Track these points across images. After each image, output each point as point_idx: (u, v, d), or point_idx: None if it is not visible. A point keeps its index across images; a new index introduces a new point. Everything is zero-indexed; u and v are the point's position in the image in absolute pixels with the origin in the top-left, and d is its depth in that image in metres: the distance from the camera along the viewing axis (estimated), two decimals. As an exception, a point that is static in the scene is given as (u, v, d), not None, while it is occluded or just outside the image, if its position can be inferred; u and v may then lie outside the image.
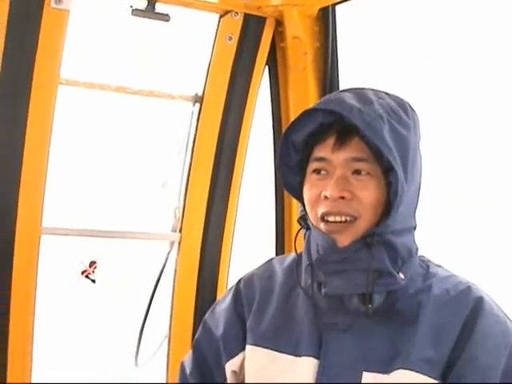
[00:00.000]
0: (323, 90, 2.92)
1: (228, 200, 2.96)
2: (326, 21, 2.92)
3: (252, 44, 2.90)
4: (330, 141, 1.62)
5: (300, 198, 1.71)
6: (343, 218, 1.60)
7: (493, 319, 1.60)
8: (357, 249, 1.59)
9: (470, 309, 1.60)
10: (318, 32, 2.94)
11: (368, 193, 1.60)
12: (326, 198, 1.60)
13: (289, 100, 3.01)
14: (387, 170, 1.59)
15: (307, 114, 1.65)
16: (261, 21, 2.89)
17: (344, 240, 1.61)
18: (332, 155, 1.62)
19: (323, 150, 1.63)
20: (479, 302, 1.61)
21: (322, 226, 1.62)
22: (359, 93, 1.66)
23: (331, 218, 1.61)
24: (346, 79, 3.00)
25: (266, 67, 3.02)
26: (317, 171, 1.65)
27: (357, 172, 1.60)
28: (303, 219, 1.70)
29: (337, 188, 1.59)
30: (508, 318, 1.64)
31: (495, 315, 1.61)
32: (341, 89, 2.92)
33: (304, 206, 1.69)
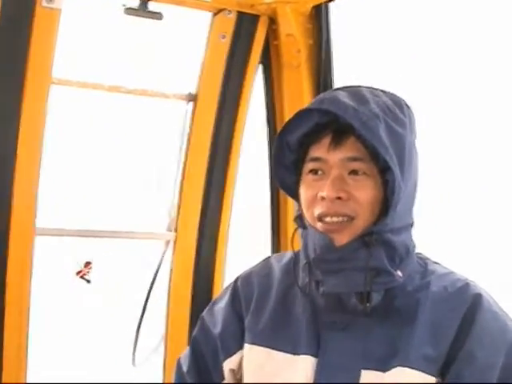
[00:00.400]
0: (317, 87, 2.91)
1: (223, 198, 2.95)
2: (319, 18, 2.91)
3: (245, 42, 2.89)
4: (326, 140, 1.61)
5: (296, 197, 1.70)
6: (340, 219, 1.59)
7: (491, 316, 1.60)
8: (354, 248, 1.59)
9: (468, 305, 1.60)
10: (312, 29, 2.93)
11: (365, 192, 1.59)
12: (322, 198, 1.59)
13: (283, 98, 3.00)
14: (384, 169, 1.58)
15: (302, 115, 1.64)
16: (254, 19, 2.88)
17: (341, 239, 1.60)
18: (328, 155, 1.61)
19: (319, 150, 1.62)
20: (477, 298, 1.61)
21: (319, 225, 1.61)
22: (354, 91, 1.64)
23: (328, 219, 1.60)
24: (341, 76, 2.99)
25: (260, 65, 3.01)
26: (313, 171, 1.64)
27: (353, 172, 1.60)
28: (300, 218, 1.69)
29: (333, 188, 1.58)
30: (506, 316, 1.64)
31: (493, 312, 1.61)
32: (335, 86, 2.95)
33: (300, 204, 1.68)
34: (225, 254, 2.98)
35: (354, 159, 1.59)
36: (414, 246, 1.70)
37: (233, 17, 2.85)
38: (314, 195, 1.62)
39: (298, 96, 2.93)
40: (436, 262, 1.74)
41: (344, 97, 1.60)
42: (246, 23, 2.88)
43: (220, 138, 2.92)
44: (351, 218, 1.59)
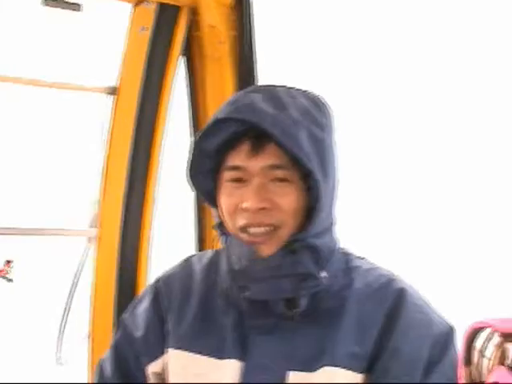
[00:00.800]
0: (240, 79, 2.89)
1: (145, 193, 2.89)
2: (241, 9, 2.88)
3: (166, 34, 2.83)
4: (245, 148, 1.56)
5: (215, 204, 1.66)
6: (264, 229, 1.56)
7: (415, 309, 1.60)
8: (280, 257, 1.56)
9: (391, 301, 1.59)
10: (234, 21, 2.90)
11: (288, 200, 1.56)
12: (245, 209, 1.56)
13: (206, 90, 2.97)
14: (306, 175, 1.55)
15: (218, 123, 1.59)
16: (175, 10, 2.83)
17: (267, 249, 1.57)
18: (248, 163, 1.56)
19: (238, 158, 1.57)
20: (401, 293, 1.61)
21: (242, 236, 1.58)
22: (271, 94, 1.59)
23: (252, 230, 1.56)
24: (264, 68, 2.98)
25: (183, 57, 2.97)
26: (233, 180, 1.60)
27: (275, 180, 1.56)
28: (220, 226, 1.65)
29: (256, 199, 1.54)
30: (431, 308, 1.64)
31: (418, 305, 1.61)
32: (258, 77, 2.92)
33: (220, 212, 1.64)
34: (149, 250, 2.93)
35: (276, 167, 1.55)
36: (337, 244, 1.68)
37: (153, 8, 2.79)
38: (236, 204, 1.57)
39: (220, 88, 2.90)
40: (360, 257, 1.73)
41: (261, 102, 1.54)
42: (166, 14, 2.82)
43: (142, 131, 2.86)
44: (276, 228, 1.56)
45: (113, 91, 2.86)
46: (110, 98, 2.87)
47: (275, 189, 1.55)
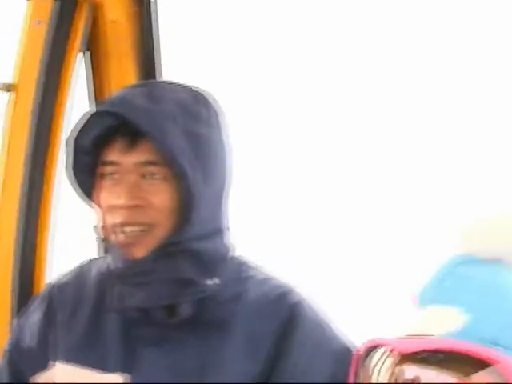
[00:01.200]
0: (143, 74, 2.84)
1: (44, 191, 2.79)
2: (144, 3, 2.84)
3: (65, 28, 2.74)
4: (120, 143, 1.54)
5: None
6: (137, 228, 1.52)
7: (311, 325, 1.56)
8: (155, 259, 1.52)
9: (285, 315, 1.55)
10: (138, 15, 2.85)
11: (162, 198, 1.53)
12: (118, 206, 1.52)
13: (109, 86, 2.90)
14: (182, 173, 1.52)
15: (93, 117, 1.55)
16: (74, 4, 2.75)
17: (140, 251, 1.53)
18: (122, 158, 1.53)
19: (112, 153, 1.55)
20: (296, 307, 1.56)
21: (116, 236, 1.54)
22: (150, 88, 1.58)
23: (126, 229, 1.53)
24: (169, 62, 2.94)
25: (86, 54, 2.90)
26: (107, 176, 1.56)
27: (148, 176, 1.53)
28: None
29: (128, 196, 1.51)
30: (328, 323, 1.60)
31: (313, 321, 1.57)
32: (163, 73, 2.89)
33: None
34: (48, 252, 2.82)
35: (149, 163, 1.52)
36: (229, 250, 1.64)
37: (50, 1, 2.71)
38: (109, 202, 1.54)
39: (123, 84, 2.81)
40: (255, 266, 1.68)
41: (137, 96, 1.53)
42: (65, 8, 2.72)
43: (40, 129, 2.76)
44: (150, 227, 1.52)
45: (10, 88, 2.75)
46: (8, 95, 2.77)
47: (148, 186, 1.52)
